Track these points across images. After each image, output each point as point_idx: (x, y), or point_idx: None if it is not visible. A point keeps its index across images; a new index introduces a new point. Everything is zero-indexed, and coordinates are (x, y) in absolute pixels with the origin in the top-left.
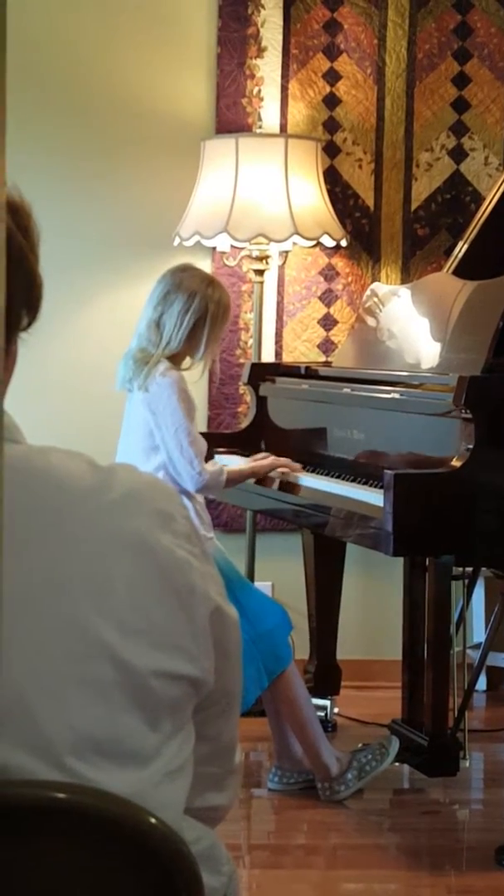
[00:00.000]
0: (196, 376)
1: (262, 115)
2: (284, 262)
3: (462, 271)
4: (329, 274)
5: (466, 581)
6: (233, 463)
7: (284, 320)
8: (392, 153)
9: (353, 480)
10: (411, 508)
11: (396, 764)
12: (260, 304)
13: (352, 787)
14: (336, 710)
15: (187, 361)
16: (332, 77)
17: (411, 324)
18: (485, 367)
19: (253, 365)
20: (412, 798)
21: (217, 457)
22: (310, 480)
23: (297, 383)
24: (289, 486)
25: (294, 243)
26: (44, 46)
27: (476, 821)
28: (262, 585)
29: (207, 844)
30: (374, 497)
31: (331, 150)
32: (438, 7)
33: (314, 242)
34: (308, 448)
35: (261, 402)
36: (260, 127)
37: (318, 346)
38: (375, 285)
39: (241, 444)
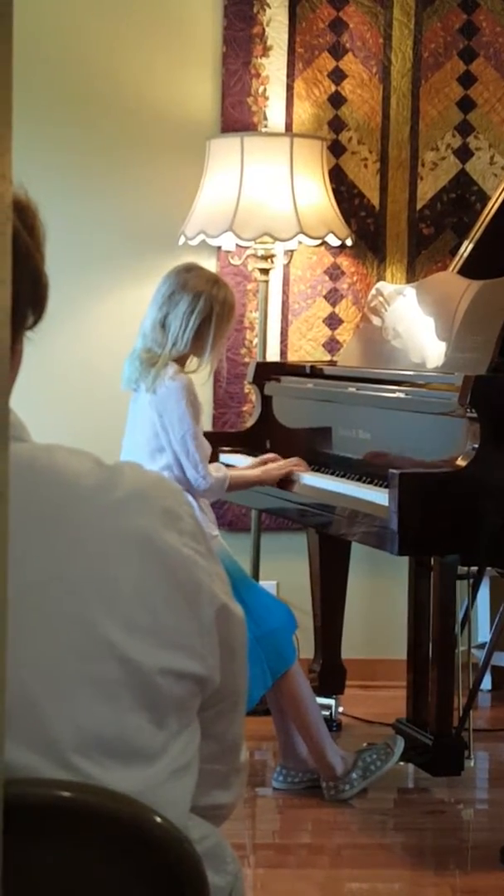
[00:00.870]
0: (204, 378)
1: (267, 115)
2: (290, 262)
3: (467, 270)
4: (334, 273)
5: (472, 580)
6: (238, 463)
7: (290, 319)
8: (397, 152)
9: (358, 480)
10: (416, 508)
11: (401, 763)
12: (265, 304)
13: (356, 786)
14: (341, 709)
15: (194, 363)
16: (338, 76)
17: (416, 323)
18: (490, 367)
19: (258, 364)
20: (417, 797)
21: (222, 456)
22: (315, 479)
23: (303, 382)
24: (294, 486)
25: (299, 242)
26: (49, 45)
27: (481, 820)
28: (267, 585)
29: (212, 843)
30: (379, 496)
31: (336, 149)
32: (444, 6)
33: (319, 241)
34: (313, 447)
35: (266, 401)
36: (265, 126)
37: (324, 346)
38: (380, 284)
39: (246, 443)
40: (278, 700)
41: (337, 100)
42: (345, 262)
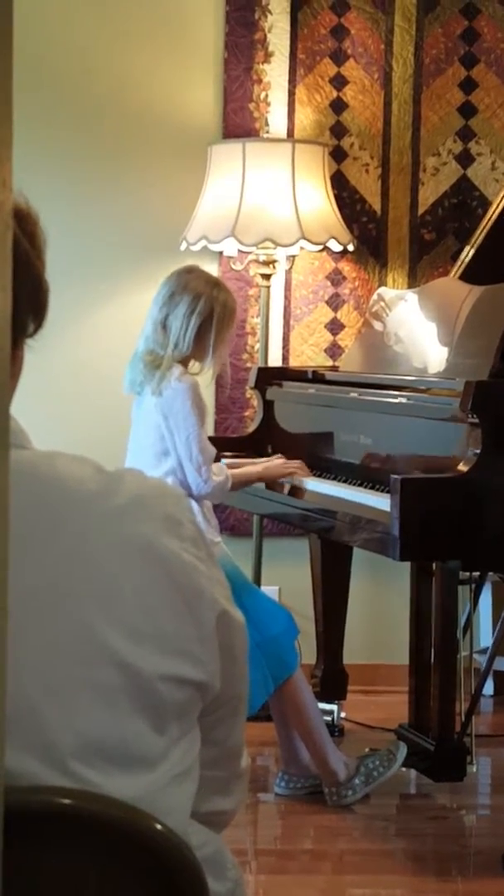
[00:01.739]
0: (206, 382)
1: (269, 120)
2: (291, 267)
3: (469, 276)
4: (336, 278)
5: (473, 586)
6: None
7: (291, 324)
8: (399, 158)
9: (359, 485)
10: (418, 513)
11: (403, 769)
12: (267, 309)
13: (359, 792)
14: (343, 714)
15: (196, 367)
16: (340, 82)
17: (418, 328)
18: (492, 372)
19: (260, 369)
20: (419, 803)
21: (224, 461)
22: (317, 485)
23: (304, 387)
24: (296, 491)
25: (301, 248)
26: (51, 52)
27: (483, 826)
28: (269, 590)
29: (213, 849)
30: (380, 502)
31: (338, 154)
32: (445, 12)
33: (321, 247)
34: (315, 452)
35: (267, 406)
36: (267, 132)
37: (325, 351)
38: (382, 290)
39: (248, 448)
40: (280, 706)
41: (338, 106)
42: (346, 267)
